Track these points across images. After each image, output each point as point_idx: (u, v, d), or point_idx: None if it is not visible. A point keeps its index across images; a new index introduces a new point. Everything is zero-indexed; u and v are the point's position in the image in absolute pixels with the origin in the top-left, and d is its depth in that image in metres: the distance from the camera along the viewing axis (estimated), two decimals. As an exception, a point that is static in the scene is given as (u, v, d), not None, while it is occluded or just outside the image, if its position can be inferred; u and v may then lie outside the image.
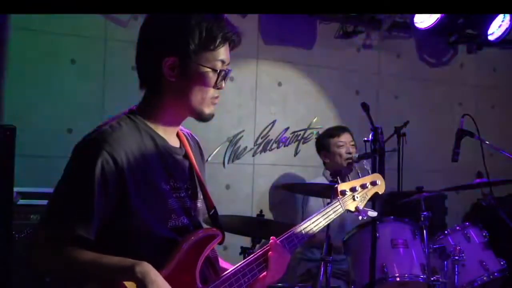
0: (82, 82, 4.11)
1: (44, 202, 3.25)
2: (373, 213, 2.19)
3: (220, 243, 1.86)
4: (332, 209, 2.12)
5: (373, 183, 2.26)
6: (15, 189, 3.20)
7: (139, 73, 1.84)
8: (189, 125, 2.05)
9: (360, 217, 2.21)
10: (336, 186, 2.19)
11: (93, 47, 4.16)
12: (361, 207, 2.19)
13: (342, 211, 2.16)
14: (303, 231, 2.01)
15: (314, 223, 2.05)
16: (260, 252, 1.90)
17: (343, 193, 2.17)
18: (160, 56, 1.76)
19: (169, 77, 1.77)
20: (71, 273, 1.70)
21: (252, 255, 1.89)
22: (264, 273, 1.89)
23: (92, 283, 1.68)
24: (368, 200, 2.27)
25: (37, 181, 3.50)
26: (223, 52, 1.80)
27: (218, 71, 1.79)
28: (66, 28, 4.05)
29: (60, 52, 4.06)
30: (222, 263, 1.97)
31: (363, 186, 2.22)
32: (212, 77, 1.79)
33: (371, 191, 2.25)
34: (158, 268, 1.66)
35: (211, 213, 1.94)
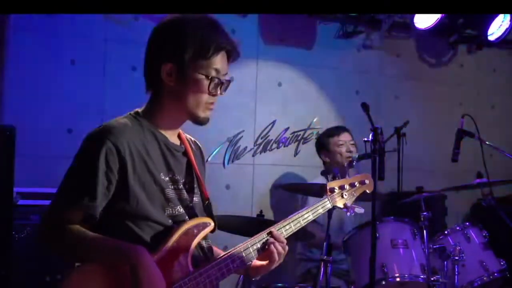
0: (82, 82, 4.10)
1: (44, 202, 3.30)
2: (360, 210, 2.35)
3: (212, 232, 2.00)
4: (320, 205, 2.26)
5: (362, 182, 2.41)
6: (15, 189, 3.20)
7: (144, 77, 2.00)
8: (190, 125, 2.07)
9: (348, 214, 2.35)
10: (325, 184, 2.33)
11: (93, 47, 4.16)
12: (349, 204, 2.34)
13: (330, 207, 2.30)
14: (291, 224, 2.12)
15: (302, 217, 2.17)
16: (248, 242, 2.02)
17: (332, 190, 2.32)
18: (159, 62, 1.92)
19: (168, 82, 1.92)
20: (75, 252, 1.85)
21: (241, 244, 2.01)
22: (265, 262, 2.05)
23: (92, 263, 1.82)
24: (364, 199, 2.42)
25: (37, 181, 3.50)
26: (218, 61, 1.93)
27: (211, 77, 1.91)
28: (66, 28, 4.04)
29: (60, 52, 4.06)
30: (220, 252, 2.09)
31: (352, 185, 2.37)
32: (206, 83, 1.92)
33: (359, 189, 2.40)
34: (152, 251, 1.82)
35: (205, 204, 2.06)
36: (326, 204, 2.27)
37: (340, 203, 2.32)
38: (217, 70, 1.93)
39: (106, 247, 1.81)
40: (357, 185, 2.38)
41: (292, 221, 2.12)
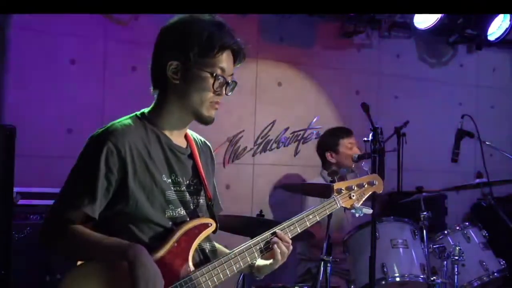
0: (82, 82, 4.11)
1: (44, 202, 3.30)
2: (368, 210, 2.30)
3: (214, 232, 2.03)
4: (327, 206, 2.23)
5: (370, 183, 2.36)
6: (15, 189, 3.20)
7: (151, 76, 2.02)
8: (190, 125, 2.07)
9: (357, 215, 2.31)
10: (332, 185, 2.29)
11: (93, 47, 4.16)
12: (357, 205, 2.30)
13: (337, 207, 2.26)
14: (296, 225, 2.12)
15: (308, 218, 2.15)
16: (251, 242, 2.03)
17: (339, 191, 2.29)
18: (166, 60, 1.94)
19: (173, 80, 1.94)
20: (75, 251, 1.89)
21: (244, 244, 2.02)
22: (270, 261, 2.06)
23: (92, 262, 1.85)
24: (366, 199, 2.36)
25: (37, 181, 3.50)
26: (224, 60, 1.96)
27: (215, 75, 1.94)
28: (66, 28, 4.05)
29: (60, 52, 4.06)
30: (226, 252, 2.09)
31: (360, 186, 2.33)
32: (210, 81, 1.94)
33: (367, 190, 2.35)
34: (152, 251, 1.84)
35: (208, 204, 2.09)
36: (333, 205, 2.24)
37: (347, 204, 2.29)
38: (222, 69, 1.95)
39: (105, 246, 1.84)
40: (366, 186, 2.34)
41: (297, 222, 2.12)
